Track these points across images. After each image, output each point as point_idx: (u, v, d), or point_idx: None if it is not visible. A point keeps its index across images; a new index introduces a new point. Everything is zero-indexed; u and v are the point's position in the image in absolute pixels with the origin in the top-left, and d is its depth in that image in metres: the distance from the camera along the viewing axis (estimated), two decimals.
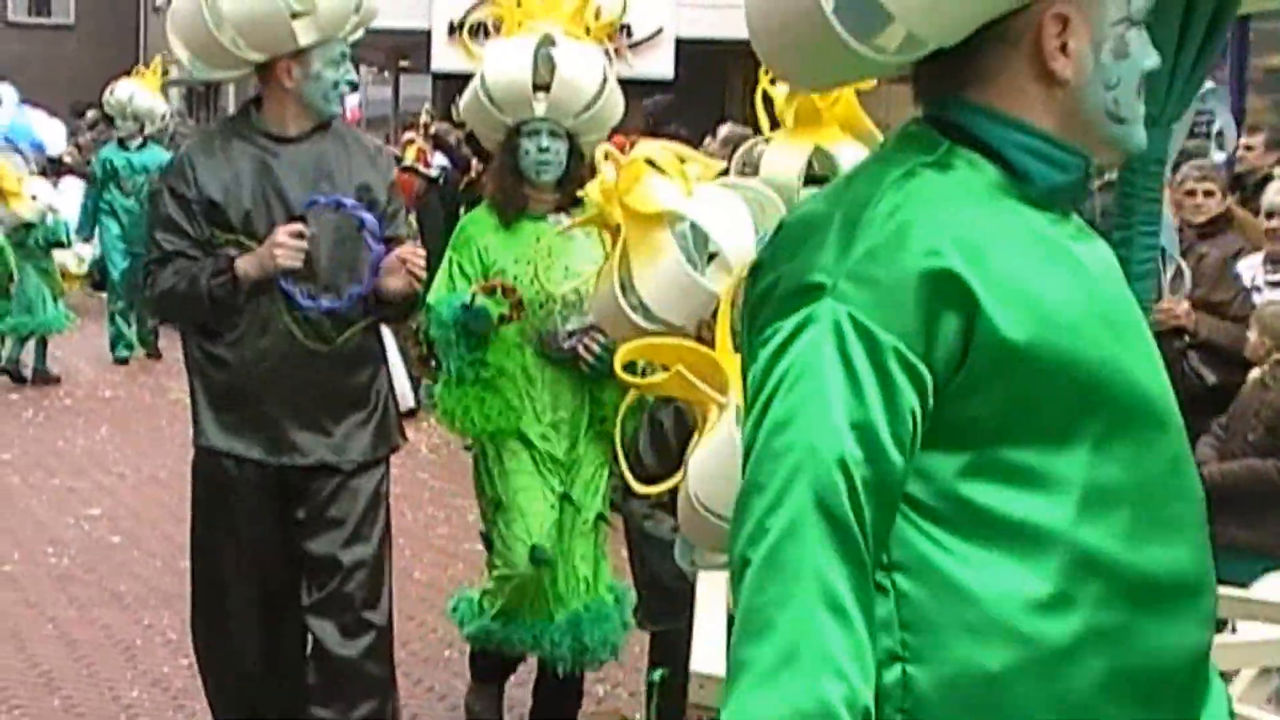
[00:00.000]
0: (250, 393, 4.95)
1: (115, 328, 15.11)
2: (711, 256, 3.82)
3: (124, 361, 14.88)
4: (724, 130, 10.41)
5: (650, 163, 3.87)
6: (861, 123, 4.73)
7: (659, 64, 17.94)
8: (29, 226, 13.11)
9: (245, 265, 4.84)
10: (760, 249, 2.13)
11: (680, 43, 19.15)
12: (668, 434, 4.52)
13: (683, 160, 3.93)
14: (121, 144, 15.11)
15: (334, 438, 5.02)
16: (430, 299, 5.48)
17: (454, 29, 24.73)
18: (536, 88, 5.39)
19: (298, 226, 4.85)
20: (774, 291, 2.04)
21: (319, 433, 5.00)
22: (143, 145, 15.01)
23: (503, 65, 5.44)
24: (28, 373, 13.66)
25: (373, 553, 5.08)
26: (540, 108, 5.41)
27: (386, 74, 30.80)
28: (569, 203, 5.45)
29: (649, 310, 3.72)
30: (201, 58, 5.00)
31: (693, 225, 3.81)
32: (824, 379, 1.92)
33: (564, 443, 5.52)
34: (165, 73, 14.79)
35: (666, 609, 4.75)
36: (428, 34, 17.66)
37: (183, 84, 41.14)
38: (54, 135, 17.53)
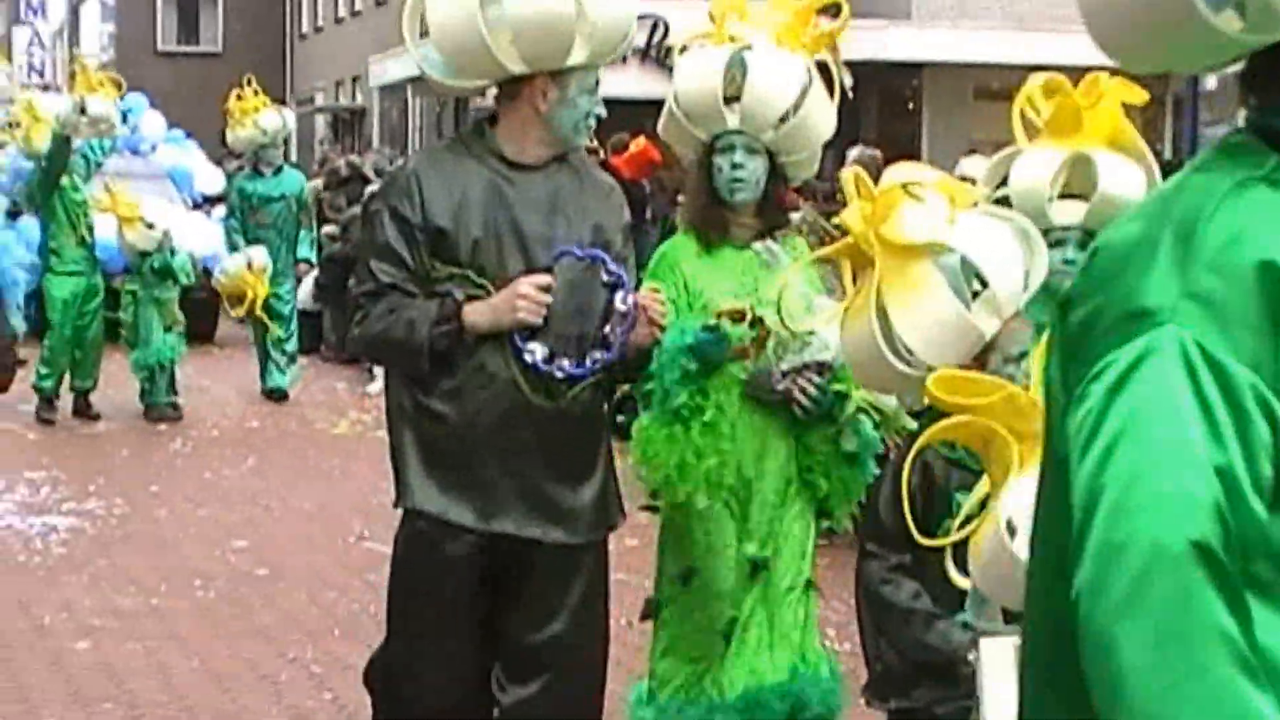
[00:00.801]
0: (467, 452, 4.49)
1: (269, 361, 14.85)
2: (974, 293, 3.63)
3: (285, 396, 14.65)
4: (854, 152, 10.33)
5: (905, 188, 3.63)
6: (1126, 132, 4.44)
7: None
8: (144, 255, 13.07)
9: (475, 316, 4.38)
10: (1074, 280, 1.90)
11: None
12: (912, 490, 4.00)
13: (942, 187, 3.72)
14: (257, 171, 14.75)
15: (555, 509, 4.53)
16: None
17: (645, 53, 25.04)
18: (728, 99, 4.92)
19: (546, 279, 4.37)
20: (1097, 322, 1.81)
21: (539, 501, 4.52)
22: (278, 171, 14.76)
23: (695, 73, 5.01)
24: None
25: (586, 642, 4.65)
26: (733, 119, 4.92)
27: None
28: (772, 228, 5.06)
29: (911, 352, 3.53)
30: (456, 62, 4.54)
31: (961, 259, 3.60)
32: (1181, 419, 1.68)
33: (769, 497, 5.00)
34: (311, 100, 14.77)
35: (901, 685, 4.38)
36: None
37: (328, 110, 41.75)
38: (212, 180, 17.46)
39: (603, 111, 4.53)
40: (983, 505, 3.47)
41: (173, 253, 13.11)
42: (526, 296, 4.33)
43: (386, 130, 38.05)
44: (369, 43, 36.63)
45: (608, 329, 4.43)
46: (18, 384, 14.82)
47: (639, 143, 12.43)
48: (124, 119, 14.45)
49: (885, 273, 3.54)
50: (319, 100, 43.50)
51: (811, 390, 4.82)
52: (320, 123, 42.89)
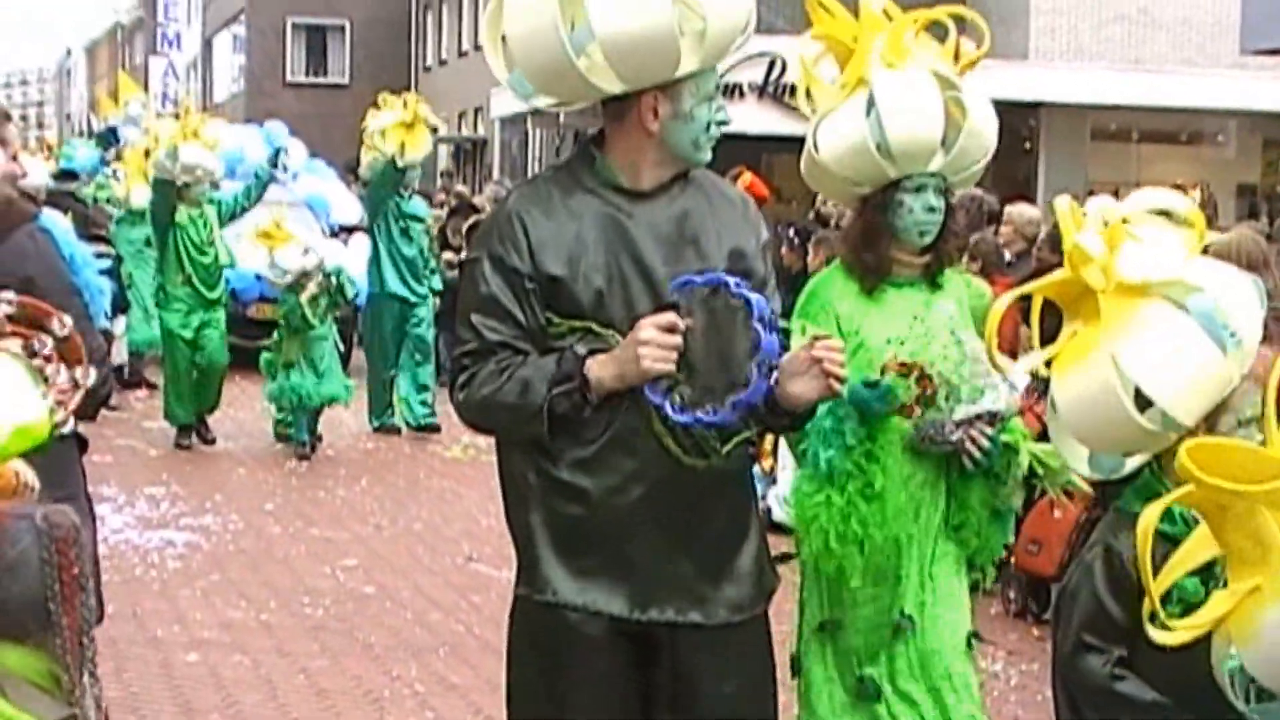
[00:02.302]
0: (613, 531, 3.78)
1: (388, 392, 14.43)
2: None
3: (433, 427, 14.17)
4: (958, 195, 10.27)
5: (1126, 225, 3.39)
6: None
7: None
8: (300, 281, 12.72)
9: (600, 371, 3.66)
10: None
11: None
12: (1129, 568, 3.47)
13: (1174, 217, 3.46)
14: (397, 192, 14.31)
15: (716, 584, 3.87)
16: None
17: (763, 89, 25.12)
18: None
19: (669, 317, 3.60)
20: None
21: (698, 579, 3.85)
22: (409, 197, 14.44)
23: (906, 108, 4.54)
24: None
25: None
26: (938, 160, 4.62)
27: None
28: (938, 267, 4.77)
29: (1149, 404, 3.26)
30: (541, 83, 3.92)
31: (1200, 300, 3.29)
32: None
33: (921, 551, 4.68)
34: (435, 130, 14.60)
35: None
36: None
37: (450, 141, 42.15)
38: (349, 209, 17.13)
39: (726, 116, 3.89)
40: (1204, 582, 3.28)
41: (329, 275, 12.82)
42: (649, 342, 3.59)
43: (507, 161, 38.37)
44: (491, 75, 36.78)
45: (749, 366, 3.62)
46: (141, 402, 15.15)
47: (745, 179, 12.42)
48: (273, 157, 14.10)
49: (1114, 315, 3.24)
50: (441, 131, 43.82)
51: (984, 442, 4.56)
52: (443, 153, 43.33)
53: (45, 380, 3.55)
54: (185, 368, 12.96)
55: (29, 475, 3.70)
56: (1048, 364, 3.54)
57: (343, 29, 49.34)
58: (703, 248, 3.84)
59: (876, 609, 4.68)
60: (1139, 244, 3.36)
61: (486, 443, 12.76)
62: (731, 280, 3.59)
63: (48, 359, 3.57)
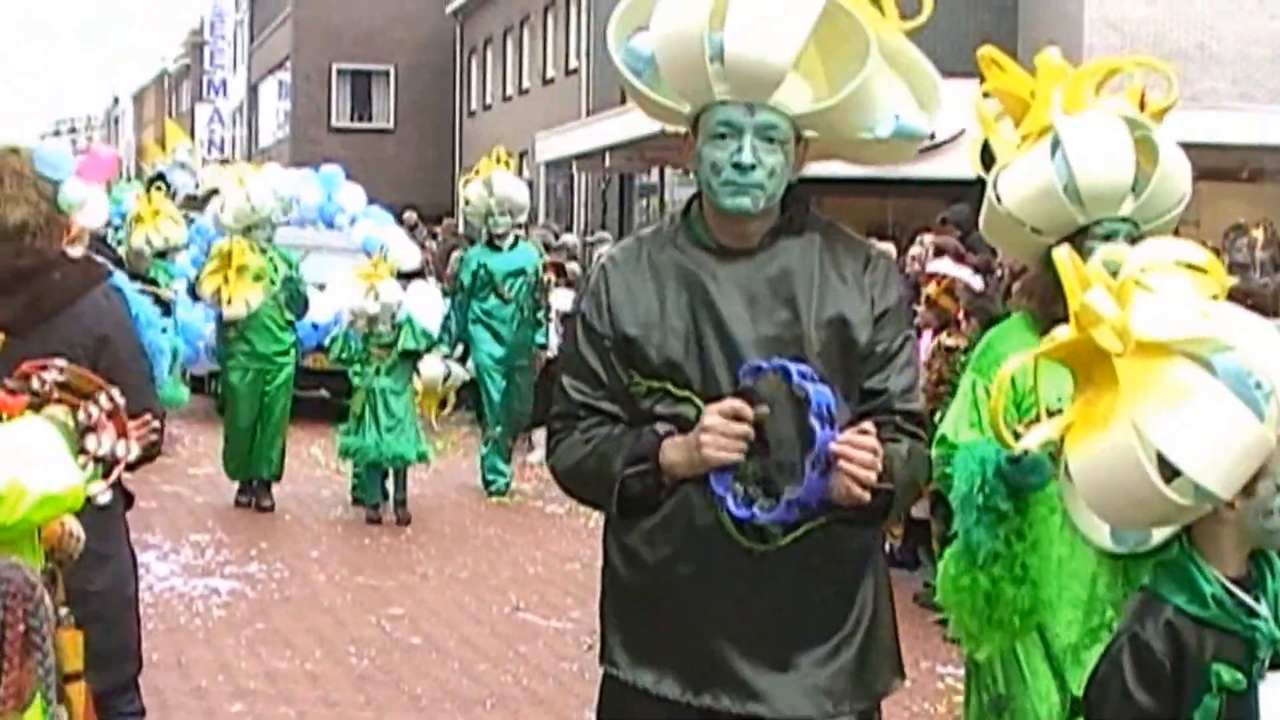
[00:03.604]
0: (666, 605, 3.63)
1: (490, 460, 13.36)
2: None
3: (502, 494, 13.24)
4: (927, 238, 10.17)
5: (1137, 279, 3.17)
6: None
7: (962, 166, 17.71)
8: (371, 327, 11.99)
9: (673, 456, 3.51)
10: None
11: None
12: (1159, 659, 3.26)
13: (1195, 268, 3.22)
14: (492, 244, 13.32)
15: (780, 673, 3.58)
16: (947, 432, 4.33)
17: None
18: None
19: (734, 405, 3.39)
20: None
21: (756, 666, 3.58)
22: (514, 244, 13.35)
23: (1096, 146, 4.25)
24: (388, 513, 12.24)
25: None
26: (1128, 205, 4.30)
27: (690, 175, 31.14)
28: None
29: (1177, 474, 3.04)
30: (669, 72, 3.66)
31: (1227, 359, 3.08)
32: None
33: (1087, 627, 4.26)
34: (477, 175, 14.21)
35: None
36: None
37: None
38: (409, 255, 16.38)
39: (746, 159, 3.52)
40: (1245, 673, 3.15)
41: (399, 325, 12.00)
42: (712, 429, 3.40)
43: (552, 205, 38.43)
44: (536, 119, 37.03)
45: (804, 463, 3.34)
46: (186, 449, 15.10)
47: None
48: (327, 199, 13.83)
49: (1133, 380, 3.04)
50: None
51: None
52: None
53: (85, 451, 3.53)
54: (247, 422, 12.32)
55: (77, 528, 3.70)
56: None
57: (387, 74, 49.57)
58: (797, 311, 3.57)
59: (1040, 686, 4.31)
60: (1152, 296, 3.12)
61: (532, 488, 12.85)
62: (795, 369, 3.34)
63: (92, 429, 3.54)
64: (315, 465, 13.61)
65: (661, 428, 3.55)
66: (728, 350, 3.54)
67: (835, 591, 3.63)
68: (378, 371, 11.93)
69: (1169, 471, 3.05)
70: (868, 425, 3.42)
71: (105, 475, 3.58)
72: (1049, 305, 4.21)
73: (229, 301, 12.09)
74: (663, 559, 3.61)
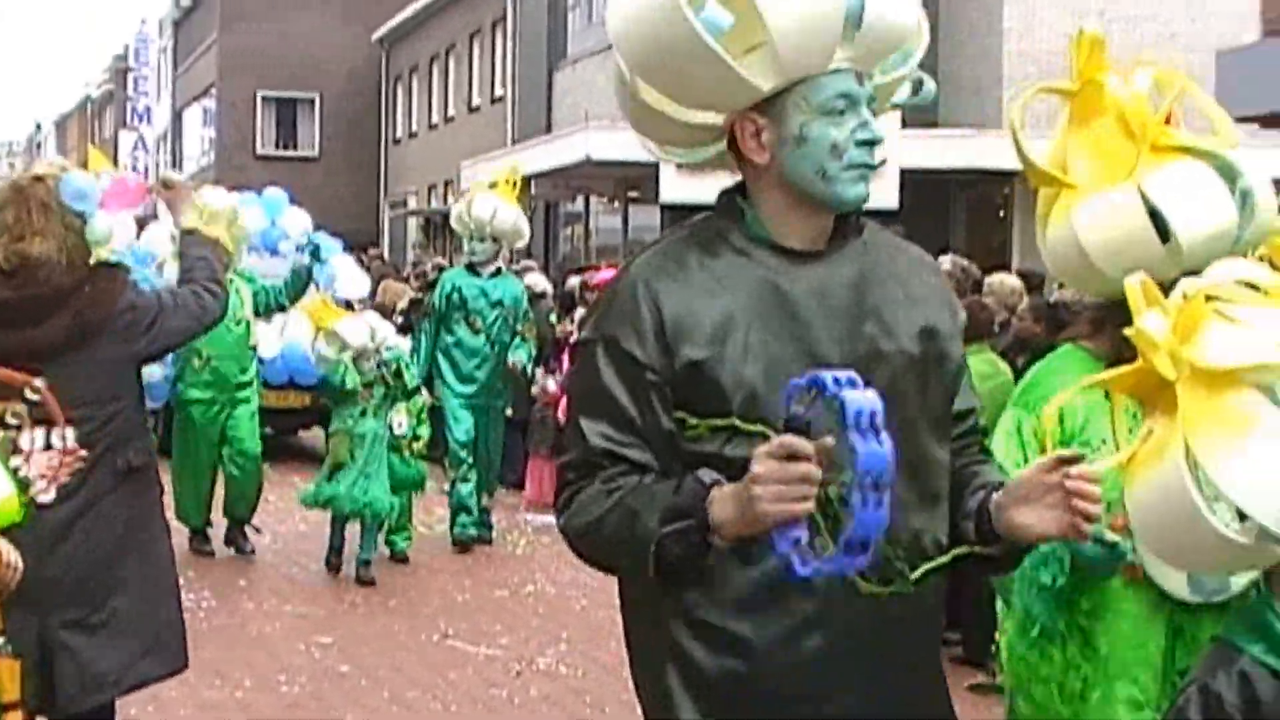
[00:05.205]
0: (788, 692, 2.91)
1: (456, 501, 12.30)
2: None
3: (467, 546, 12.17)
4: (945, 263, 10.29)
5: (1210, 299, 2.91)
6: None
7: (884, 195, 17.93)
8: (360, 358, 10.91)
9: (723, 512, 2.75)
10: None
11: (904, 173, 19.17)
12: (1229, 712, 2.98)
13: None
14: (472, 269, 12.27)
15: None
16: None
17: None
18: None
19: (787, 442, 2.66)
20: None
21: None
22: (496, 273, 12.27)
23: (1202, 201, 3.85)
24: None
25: None
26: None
27: (616, 204, 31.28)
28: None
29: (1242, 516, 2.79)
30: (650, 134, 3.13)
31: None
32: None
33: (1149, 697, 3.95)
34: (404, 203, 13.90)
35: None
36: (656, 166, 17.91)
37: (420, 214, 42.27)
38: (357, 284, 15.68)
39: (874, 133, 2.96)
40: None
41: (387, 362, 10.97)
42: (764, 478, 2.65)
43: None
44: (462, 147, 37.06)
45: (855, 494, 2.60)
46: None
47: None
48: (313, 250, 11.86)
49: (1193, 409, 2.79)
50: (411, 204, 44.08)
51: None
52: (413, 226, 43.43)
53: (19, 450, 3.53)
54: (199, 461, 11.56)
55: (13, 557, 3.71)
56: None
57: (313, 102, 49.54)
58: (887, 323, 2.99)
59: None
60: (1230, 325, 2.85)
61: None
62: (829, 376, 2.64)
63: (19, 428, 3.55)
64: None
65: (707, 476, 2.80)
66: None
67: (934, 637, 3.13)
68: (364, 414, 10.89)
69: (1234, 511, 2.81)
70: (1078, 453, 2.93)
71: (50, 471, 3.58)
72: (1119, 342, 3.49)
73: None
74: (776, 635, 2.89)
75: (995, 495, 2.94)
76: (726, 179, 3.15)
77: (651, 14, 2.85)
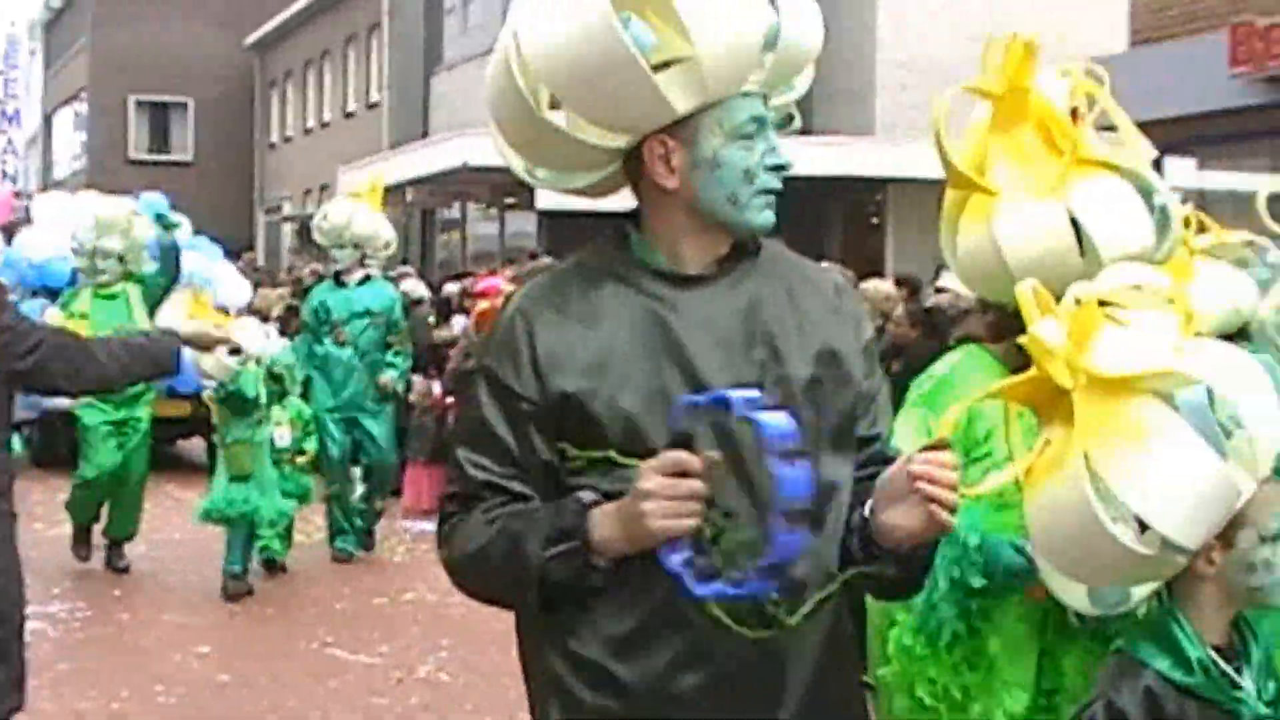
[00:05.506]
0: None
1: (332, 517, 12.14)
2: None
3: (346, 559, 12.00)
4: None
5: (1104, 304, 2.88)
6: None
7: None
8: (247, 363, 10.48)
9: (606, 529, 2.73)
10: None
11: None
12: None
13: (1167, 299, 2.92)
14: (339, 280, 12.05)
15: None
16: None
17: None
18: None
19: (676, 457, 2.65)
20: None
21: None
22: (364, 280, 12.01)
23: (1122, 218, 3.79)
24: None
25: None
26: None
27: (493, 210, 31.24)
28: None
29: (1144, 526, 2.75)
30: (531, 153, 3.04)
31: (1209, 394, 2.80)
32: None
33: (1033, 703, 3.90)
34: (278, 208, 13.73)
35: None
36: None
37: (295, 220, 41.98)
38: (238, 291, 14.92)
39: (783, 159, 2.91)
40: None
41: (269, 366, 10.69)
42: (653, 494, 2.64)
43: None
44: (337, 153, 36.88)
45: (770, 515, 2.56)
46: None
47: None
48: (162, 220, 11.42)
49: (1090, 418, 2.74)
50: (286, 209, 43.79)
51: None
52: (288, 231, 43.12)
53: None
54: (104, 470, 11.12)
55: None
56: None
57: (186, 106, 49.09)
58: (779, 347, 2.90)
59: None
60: (1124, 330, 2.83)
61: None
62: (738, 396, 2.60)
63: None
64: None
65: (586, 496, 2.78)
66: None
67: (848, 666, 2.99)
68: (260, 423, 10.60)
69: (1134, 521, 2.77)
70: (944, 439, 2.77)
71: None
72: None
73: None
74: (658, 675, 2.81)
75: (873, 489, 2.83)
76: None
77: (578, 29, 2.78)
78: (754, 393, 2.63)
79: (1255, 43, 15.85)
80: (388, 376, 12.02)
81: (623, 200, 3.07)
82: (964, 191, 3.90)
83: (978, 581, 3.72)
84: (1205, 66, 14.82)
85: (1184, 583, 2.98)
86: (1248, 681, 2.99)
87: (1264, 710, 2.99)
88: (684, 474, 2.63)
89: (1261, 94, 15.76)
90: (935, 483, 2.67)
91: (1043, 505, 2.84)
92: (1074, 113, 3.95)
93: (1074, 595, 3.28)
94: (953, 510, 2.69)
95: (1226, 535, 2.90)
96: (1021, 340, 2.89)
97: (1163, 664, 2.97)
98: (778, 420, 2.56)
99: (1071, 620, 3.74)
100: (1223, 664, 2.98)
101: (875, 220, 24.90)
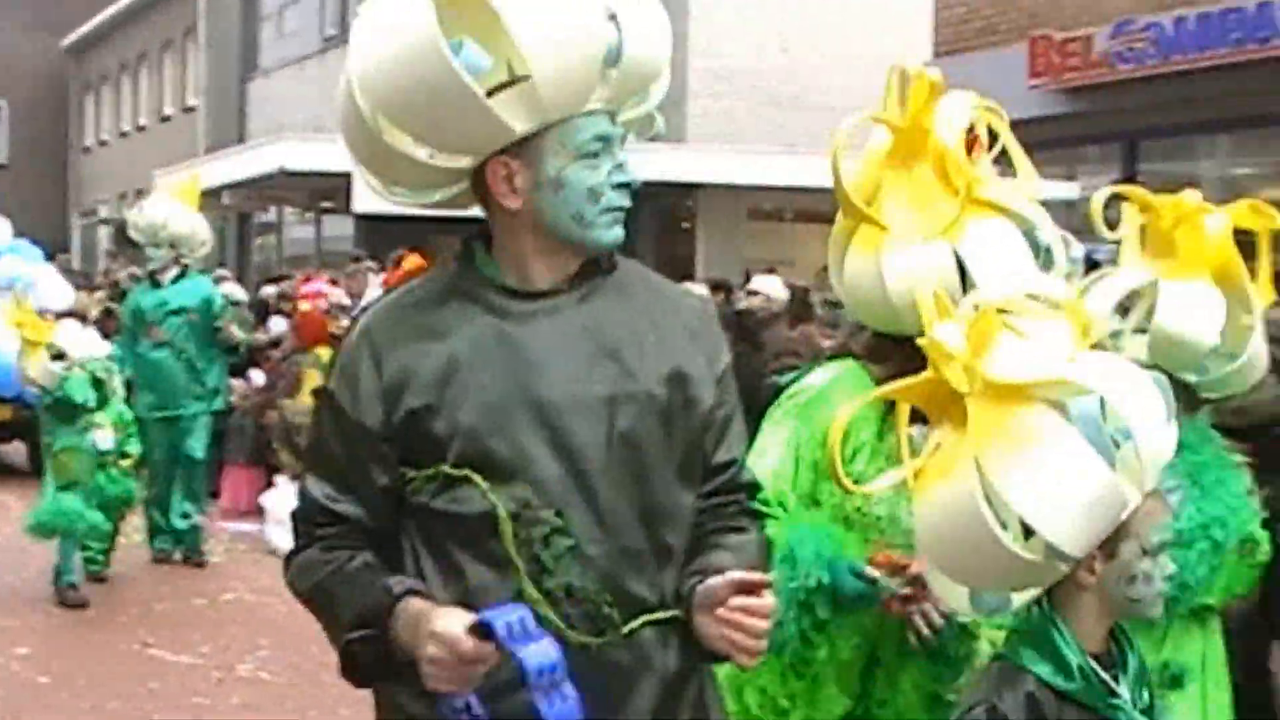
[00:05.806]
0: None
1: (150, 518, 12.09)
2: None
3: (165, 558, 12.02)
4: None
5: (1002, 312, 2.90)
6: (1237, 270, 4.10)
7: None
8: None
9: (406, 634, 2.74)
10: None
11: None
12: None
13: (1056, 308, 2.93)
14: (154, 280, 11.95)
15: None
16: (767, 491, 3.44)
17: None
18: None
19: (465, 649, 2.64)
20: None
21: None
22: (180, 277, 11.85)
23: (1007, 263, 3.68)
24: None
25: None
26: None
27: (309, 214, 31.13)
28: None
29: (1030, 532, 2.78)
30: (383, 173, 3.01)
31: (1102, 404, 2.82)
32: None
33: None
34: (94, 212, 13.46)
35: None
36: (349, 177, 17.91)
37: (112, 223, 41.38)
38: (60, 295, 14.91)
39: (629, 177, 2.91)
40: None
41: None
42: (439, 663, 2.66)
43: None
44: (153, 157, 36.45)
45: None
46: None
47: (413, 260, 11.63)
48: None
49: (984, 423, 2.77)
50: (102, 213, 43.18)
51: (937, 620, 3.64)
52: (104, 235, 42.51)
53: None
54: None
55: None
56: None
57: None
58: (628, 364, 2.88)
59: None
60: (1020, 339, 2.85)
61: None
62: (500, 622, 2.59)
63: None
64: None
65: (398, 585, 2.78)
66: (543, 416, 2.82)
67: (677, 697, 2.95)
68: (86, 428, 10.42)
69: (1021, 526, 2.81)
70: (759, 579, 2.78)
71: None
72: (900, 372, 3.34)
73: None
74: (486, 694, 2.74)
75: (698, 591, 2.83)
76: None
77: (406, 55, 2.76)
78: (519, 611, 2.62)
79: (1053, 55, 16.47)
80: (229, 322, 11.93)
81: (445, 206, 3.10)
82: (853, 220, 3.87)
83: (825, 614, 3.69)
84: (1005, 78, 15.30)
85: (1065, 591, 3.00)
86: (1124, 690, 3.03)
87: (1139, 718, 3.03)
88: (471, 662, 2.64)
89: (1059, 104, 16.35)
90: (741, 630, 2.74)
91: (932, 506, 2.87)
92: (973, 142, 3.92)
93: (956, 597, 3.27)
94: (753, 655, 2.77)
95: (1109, 546, 2.92)
96: (920, 342, 2.93)
97: (1044, 669, 3.00)
98: (538, 651, 2.57)
99: (911, 640, 3.68)
100: (1101, 672, 3.01)
101: (686, 225, 25.16)
